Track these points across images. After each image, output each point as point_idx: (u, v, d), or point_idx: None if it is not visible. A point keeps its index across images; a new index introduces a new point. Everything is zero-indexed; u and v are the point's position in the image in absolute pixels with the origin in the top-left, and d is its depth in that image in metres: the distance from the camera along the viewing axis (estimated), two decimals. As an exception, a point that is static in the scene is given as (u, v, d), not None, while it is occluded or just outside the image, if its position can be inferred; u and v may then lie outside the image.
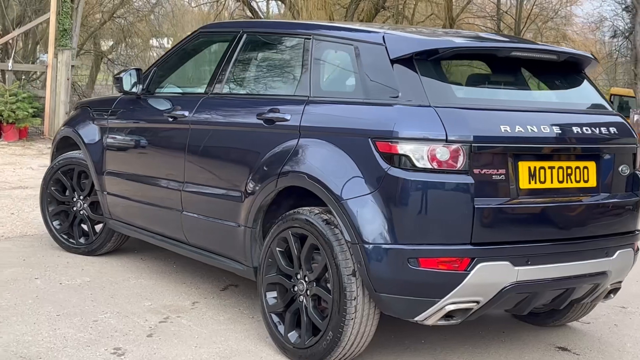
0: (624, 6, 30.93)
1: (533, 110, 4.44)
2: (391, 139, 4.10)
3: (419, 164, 4.05)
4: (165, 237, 5.72)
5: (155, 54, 33.58)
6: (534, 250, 4.24)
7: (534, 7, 36.81)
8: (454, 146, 4.04)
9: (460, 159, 4.04)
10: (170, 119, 5.52)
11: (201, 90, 5.63)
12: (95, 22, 28.83)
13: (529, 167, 4.25)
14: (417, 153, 4.05)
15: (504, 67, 4.61)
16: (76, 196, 6.65)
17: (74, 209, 6.68)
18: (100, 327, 4.93)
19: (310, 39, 4.83)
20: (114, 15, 29.50)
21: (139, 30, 32.05)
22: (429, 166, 4.05)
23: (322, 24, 5.06)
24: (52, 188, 6.75)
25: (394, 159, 4.10)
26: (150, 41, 34.13)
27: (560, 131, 4.34)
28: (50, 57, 14.84)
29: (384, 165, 4.12)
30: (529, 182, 4.25)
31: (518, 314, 5.09)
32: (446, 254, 4.08)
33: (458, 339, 5.06)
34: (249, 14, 26.75)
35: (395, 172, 4.09)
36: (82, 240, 6.66)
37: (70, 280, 5.92)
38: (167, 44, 33.90)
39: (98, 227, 6.67)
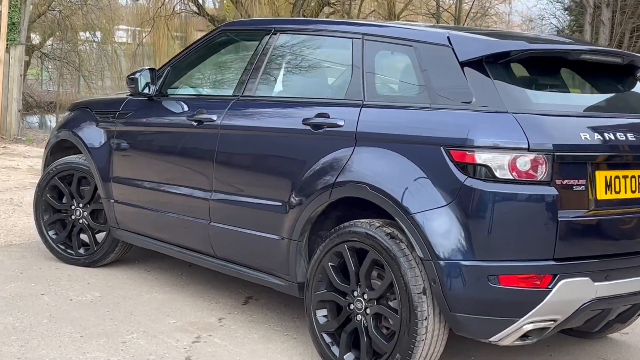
0: (565, 6, 31.26)
1: (606, 115, 4.22)
2: (468, 147, 3.83)
3: (498, 175, 3.79)
4: (187, 249, 5.33)
5: (88, 48, 32.71)
6: (612, 264, 4.03)
7: (473, 4, 37.04)
8: (536, 155, 3.79)
9: (542, 169, 3.79)
10: (195, 123, 5.15)
11: (228, 92, 5.27)
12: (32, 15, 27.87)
13: (605, 177, 4.02)
14: (496, 162, 3.79)
15: (572, 70, 4.39)
16: (75, 204, 6.20)
17: (73, 217, 6.23)
18: (132, 350, 4.56)
19: (360, 39, 4.52)
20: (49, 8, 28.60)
21: (74, 23, 31.16)
22: (510, 177, 3.79)
23: (374, 24, 4.76)
24: (48, 195, 6.28)
25: (471, 168, 3.83)
26: (82, 35, 33.24)
27: (634, 138, 4.13)
28: (2, 52, 14.15)
29: (459, 175, 3.85)
30: (605, 193, 4.03)
31: (586, 331, 4.87)
32: (528, 270, 3.84)
33: (507, 356, 4.83)
34: (194, 8, 26.13)
35: (472, 183, 3.82)
36: (81, 250, 6.23)
37: (80, 295, 5.51)
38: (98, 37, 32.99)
39: (97, 237, 6.27)
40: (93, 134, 5.98)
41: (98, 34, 34.23)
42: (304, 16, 26.29)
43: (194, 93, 5.63)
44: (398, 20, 31.17)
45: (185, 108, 5.37)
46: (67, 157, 6.24)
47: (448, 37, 4.18)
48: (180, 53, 5.68)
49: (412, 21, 33.39)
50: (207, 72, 5.72)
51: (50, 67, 32.49)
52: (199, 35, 38.36)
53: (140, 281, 5.96)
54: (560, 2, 33.33)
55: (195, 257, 5.31)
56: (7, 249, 6.66)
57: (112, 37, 34.17)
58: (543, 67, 4.26)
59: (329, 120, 4.42)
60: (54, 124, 24.14)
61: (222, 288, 5.85)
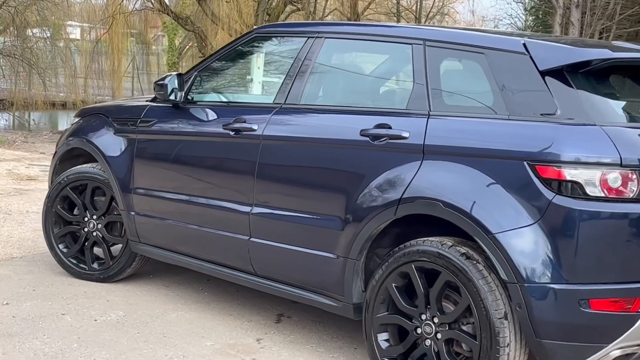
0: (527, 6, 31.36)
1: None
2: (556, 162, 3.60)
3: (589, 192, 3.58)
4: (220, 266, 5.02)
5: (42, 45, 31.95)
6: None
7: (434, 4, 37.04)
8: (628, 171, 3.58)
9: (634, 185, 3.58)
10: (232, 133, 4.84)
11: (268, 99, 4.97)
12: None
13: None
14: (587, 179, 3.57)
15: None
16: (88, 216, 5.83)
17: (85, 230, 5.86)
18: (179, 377, 4.22)
19: (421, 45, 4.26)
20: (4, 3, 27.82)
21: (28, 19, 30.38)
22: (600, 194, 3.58)
23: (436, 28, 4.49)
24: (59, 206, 5.91)
25: (559, 185, 3.61)
26: (37, 31, 32.46)
27: None
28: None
29: (546, 192, 3.62)
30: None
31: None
32: (619, 294, 3.64)
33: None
34: (157, 5, 25.57)
35: (561, 200, 3.60)
36: (95, 265, 5.87)
37: (103, 315, 5.18)
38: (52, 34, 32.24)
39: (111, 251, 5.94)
40: (111, 142, 5.62)
41: (52, 30, 33.49)
42: (268, 14, 25.95)
43: (226, 100, 5.32)
44: (360, 19, 30.99)
45: (218, 116, 5.07)
46: (79, 167, 5.88)
47: (524, 45, 3.94)
48: (208, 58, 5.36)
49: (377, 20, 33.26)
50: (240, 77, 5.41)
51: (1, 63, 31.60)
52: (155, 32, 37.56)
53: (162, 298, 5.63)
54: (521, 2, 33.46)
55: (231, 275, 5.01)
56: (10, 263, 6.27)
57: (66, 33, 33.46)
58: (622, 76, 4.04)
59: (391, 132, 4.16)
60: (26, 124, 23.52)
61: (249, 305, 5.56)
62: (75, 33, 37.55)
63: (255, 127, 4.73)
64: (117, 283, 5.88)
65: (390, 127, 4.17)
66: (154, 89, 5.24)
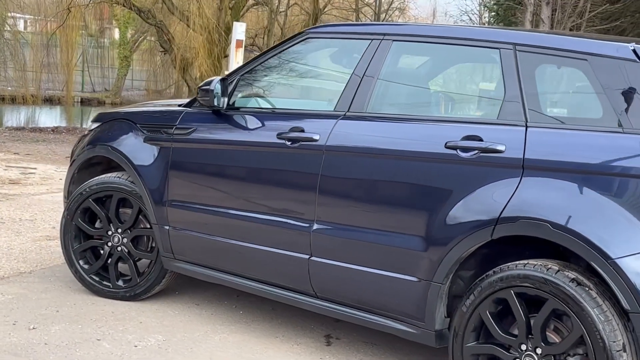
0: (489, 3, 31.34)
1: None
2: None
3: None
4: (272, 286, 4.64)
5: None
6: None
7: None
8: None
9: None
10: (288, 143, 4.45)
11: (327, 106, 4.59)
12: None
13: None
14: None
15: None
16: (113, 229, 5.39)
17: (109, 244, 5.41)
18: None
19: (511, 49, 3.93)
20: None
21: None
22: None
23: (528, 33, 4.16)
24: (80, 219, 5.44)
25: (686, 206, 3.29)
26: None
27: None
28: None
29: (672, 213, 3.31)
30: None
31: None
32: None
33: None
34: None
35: (690, 222, 3.28)
36: (120, 282, 5.42)
37: (142, 340, 4.78)
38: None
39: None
40: (141, 151, 5.19)
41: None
42: (230, 9, 25.45)
43: (275, 107, 4.92)
44: (321, 15, 30.65)
45: (269, 124, 4.68)
46: (103, 176, 5.43)
47: (634, 51, 3.63)
48: (252, 60, 4.95)
49: (337, 16, 32.95)
50: (290, 82, 5.00)
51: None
52: (101, 24, 36.67)
53: (197, 318, 5.22)
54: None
55: (284, 295, 4.64)
56: (22, 280, 5.79)
57: (12, 25, 32.49)
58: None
59: (483, 144, 3.83)
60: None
61: (290, 325, 5.20)
62: (19, 25, 36.56)
63: (316, 137, 4.36)
64: (144, 302, 5.45)
65: (481, 139, 3.84)
66: (197, 95, 4.81)
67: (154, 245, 5.41)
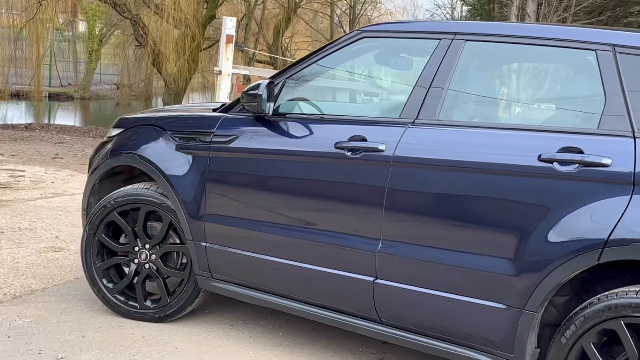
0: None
1: None
2: None
3: None
4: (328, 310, 4.23)
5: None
6: None
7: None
8: None
9: None
10: (349, 153, 4.03)
11: (390, 113, 4.19)
12: None
13: None
14: None
15: None
16: (140, 245, 4.94)
17: (136, 261, 4.96)
18: None
19: (609, 51, 3.55)
20: None
21: None
22: None
23: (628, 33, 3.75)
24: (103, 234, 4.98)
25: None
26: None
27: None
28: None
29: None
30: None
31: None
32: None
33: None
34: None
35: None
36: (148, 303, 4.97)
37: (183, 369, 4.29)
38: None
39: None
40: (173, 160, 4.75)
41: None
42: (206, 2, 24.93)
43: (328, 112, 4.50)
44: (298, 8, 30.17)
45: (323, 132, 4.26)
46: (129, 187, 4.97)
47: None
48: (300, 62, 4.52)
49: (311, 10, 32.51)
50: (344, 86, 4.57)
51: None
52: (65, 17, 35.92)
53: (235, 342, 4.82)
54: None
55: (341, 320, 4.24)
56: (36, 299, 5.32)
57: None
58: None
59: (584, 158, 3.44)
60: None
61: (338, 348, 4.83)
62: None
63: (381, 146, 3.95)
64: (174, 323, 5.02)
65: (581, 152, 3.46)
66: (242, 100, 4.37)
67: (184, 261, 4.97)
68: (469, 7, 31.89)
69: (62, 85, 38.67)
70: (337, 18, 35.57)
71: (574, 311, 3.47)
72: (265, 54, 27.68)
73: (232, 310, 5.33)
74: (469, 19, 32.27)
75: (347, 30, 34.92)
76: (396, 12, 38.43)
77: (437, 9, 36.56)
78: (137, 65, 30.45)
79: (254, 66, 26.26)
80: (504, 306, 3.61)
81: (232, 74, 13.42)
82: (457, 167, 3.75)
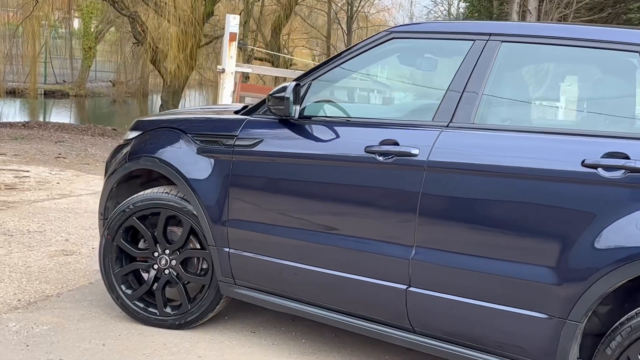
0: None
1: None
2: None
3: None
4: (357, 318, 4.12)
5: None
6: None
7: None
8: None
9: None
10: (380, 158, 3.93)
11: (423, 117, 4.07)
12: None
13: None
14: None
15: None
16: (160, 250, 4.82)
17: (155, 267, 4.85)
18: None
19: None
20: None
21: None
22: None
23: None
24: (122, 240, 4.87)
25: None
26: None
27: None
28: None
29: None
30: None
31: None
32: None
33: None
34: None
35: None
36: (168, 309, 4.86)
37: (208, 379, 4.18)
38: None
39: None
40: (194, 163, 4.64)
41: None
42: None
43: (356, 115, 4.39)
44: (296, 5, 30.00)
45: (352, 135, 4.17)
46: (149, 192, 4.86)
47: None
48: (326, 63, 4.41)
49: (309, 7, 32.36)
50: (372, 88, 4.47)
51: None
52: (59, 14, 35.75)
53: (259, 350, 4.71)
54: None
55: (371, 329, 4.14)
56: (52, 305, 5.21)
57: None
58: None
59: (631, 163, 3.33)
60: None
61: (363, 354, 4.76)
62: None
63: (414, 151, 3.84)
64: (194, 330, 4.91)
65: (627, 157, 3.36)
66: (269, 103, 4.26)
67: (204, 267, 4.86)
68: (467, 4, 31.75)
69: (57, 83, 38.47)
70: (333, 14, 35.44)
71: (620, 321, 3.37)
72: (263, 50, 27.52)
73: (252, 316, 5.22)
74: (467, 16, 32.18)
75: (345, 28, 34.81)
76: (393, 8, 38.30)
77: (434, 6, 36.38)
78: (134, 63, 30.31)
79: (252, 64, 26.14)
80: (545, 316, 3.51)
81: (236, 72, 13.27)
82: (496, 173, 3.65)
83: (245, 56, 27.40)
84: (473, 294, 3.72)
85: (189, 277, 4.84)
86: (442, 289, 3.80)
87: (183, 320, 4.86)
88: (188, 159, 4.66)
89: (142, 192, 4.90)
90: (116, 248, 4.92)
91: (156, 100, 34.93)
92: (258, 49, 28.18)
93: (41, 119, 26.34)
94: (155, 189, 4.88)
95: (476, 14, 29.88)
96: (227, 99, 13.00)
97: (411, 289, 3.89)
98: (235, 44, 13.34)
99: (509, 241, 3.62)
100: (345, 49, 4.27)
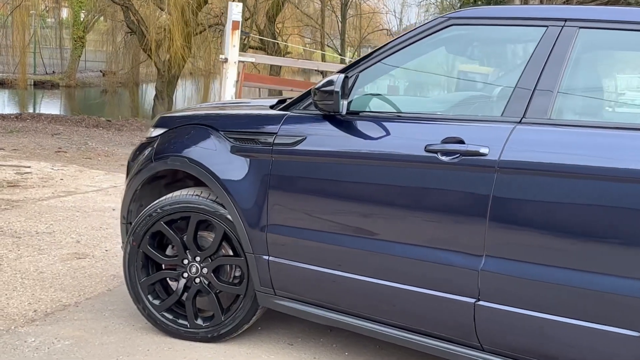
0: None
1: None
2: None
3: None
4: (419, 334, 3.75)
5: None
6: None
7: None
8: None
9: None
10: (443, 157, 3.54)
11: (490, 111, 3.69)
12: None
13: None
14: None
15: None
16: (190, 257, 4.44)
17: (185, 275, 4.46)
18: None
19: None
20: None
21: None
22: None
23: None
24: (148, 246, 4.48)
25: None
26: None
27: None
28: None
29: None
30: None
31: None
32: None
33: None
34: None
35: None
36: (199, 321, 4.48)
37: (252, 400, 3.81)
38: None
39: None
40: (228, 163, 4.26)
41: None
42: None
43: (412, 110, 4.00)
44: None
45: (409, 132, 3.79)
46: (177, 194, 4.48)
47: None
48: (374, 53, 4.02)
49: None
50: (428, 80, 4.08)
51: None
52: (46, 4, 35.16)
53: (304, 366, 4.30)
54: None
55: (434, 346, 3.75)
56: (71, 317, 4.84)
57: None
58: None
59: None
60: None
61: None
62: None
63: (483, 149, 3.46)
64: (228, 343, 4.55)
65: None
66: (314, 98, 3.87)
67: (236, 274, 4.48)
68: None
69: (47, 73, 37.93)
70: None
71: None
72: (259, 38, 27.04)
73: (286, 326, 4.85)
74: (462, 3, 31.68)
75: (339, 15, 34.34)
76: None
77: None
78: (126, 52, 29.74)
79: (246, 52, 25.65)
80: (636, 334, 3.14)
81: (239, 61, 12.85)
82: (581, 174, 3.27)
83: (240, 45, 26.92)
84: (553, 308, 3.35)
85: (222, 286, 4.46)
86: (517, 303, 3.44)
87: (216, 332, 4.48)
88: (221, 159, 4.28)
89: (169, 195, 4.51)
90: (142, 255, 4.54)
91: (147, 90, 34.45)
92: (254, 35, 27.67)
93: (33, 110, 25.83)
94: (184, 191, 4.49)
95: (471, 2, 29.43)
96: (230, 90, 12.60)
97: (480, 302, 3.52)
98: (238, 32, 12.91)
99: (595, 251, 3.25)
100: (395, 37, 3.86)
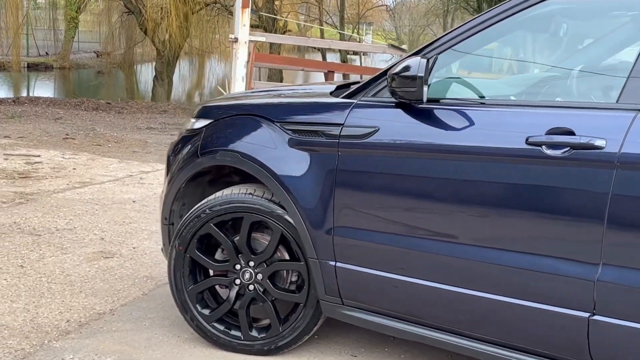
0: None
1: None
2: None
3: None
4: (515, 351, 3.29)
5: None
6: None
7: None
8: None
9: None
10: (549, 151, 3.09)
11: (602, 97, 3.23)
12: None
13: None
14: None
15: None
16: (242, 262, 3.98)
17: (238, 282, 4.01)
18: None
19: None
20: None
21: None
22: None
23: None
24: (196, 251, 4.01)
25: None
26: None
27: None
28: None
29: None
30: None
31: None
32: None
33: None
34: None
35: None
36: (254, 332, 4.02)
37: None
38: None
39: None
40: (286, 158, 3.80)
41: None
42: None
43: (508, 97, 3.52)
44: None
45: (505, 122, 3.32)
46: (227, 193, 4.03)
47: None
48: (456, 31, 3.53)
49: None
50: (524, 62, 3.59)
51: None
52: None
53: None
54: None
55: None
56: (109, 327, 4.40)
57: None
58: None
59: None
60: None
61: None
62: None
63: (600, 142, 3.00)
64: (285, 356, 4.12)
65: None
66: (392, 84, 3.38)
67: (293, 280, 4.02)
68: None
69: (40, 55, 37.29)
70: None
71: None
72: (264, 13, 26.46)
73: (345, 334, 4.41)
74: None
75: (338, -9, 33.77)
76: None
77: None
78: (123, 33, 29.11)
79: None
80: None
81: (250, 41, 12.34)
82: None
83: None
84: (685, 325, 2.88)
85: (279, 293, 4.01)
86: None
87: (273, 345, 4.04)
88: (278, 153, 3.81)
89: (219, 194, 4.05)
90: (189, 261, 4.07)
91: (143, 71, 33.85)
92: (255, 11, 27.06)
93: (28, 94, 25.26)
94: (235, 190, 4.03)
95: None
96: (241, 70, 12.12)
97: (596, 317, 3.06)
98: (248, 10, 12.38)
99: None
100: (480, 13, 3.37)
